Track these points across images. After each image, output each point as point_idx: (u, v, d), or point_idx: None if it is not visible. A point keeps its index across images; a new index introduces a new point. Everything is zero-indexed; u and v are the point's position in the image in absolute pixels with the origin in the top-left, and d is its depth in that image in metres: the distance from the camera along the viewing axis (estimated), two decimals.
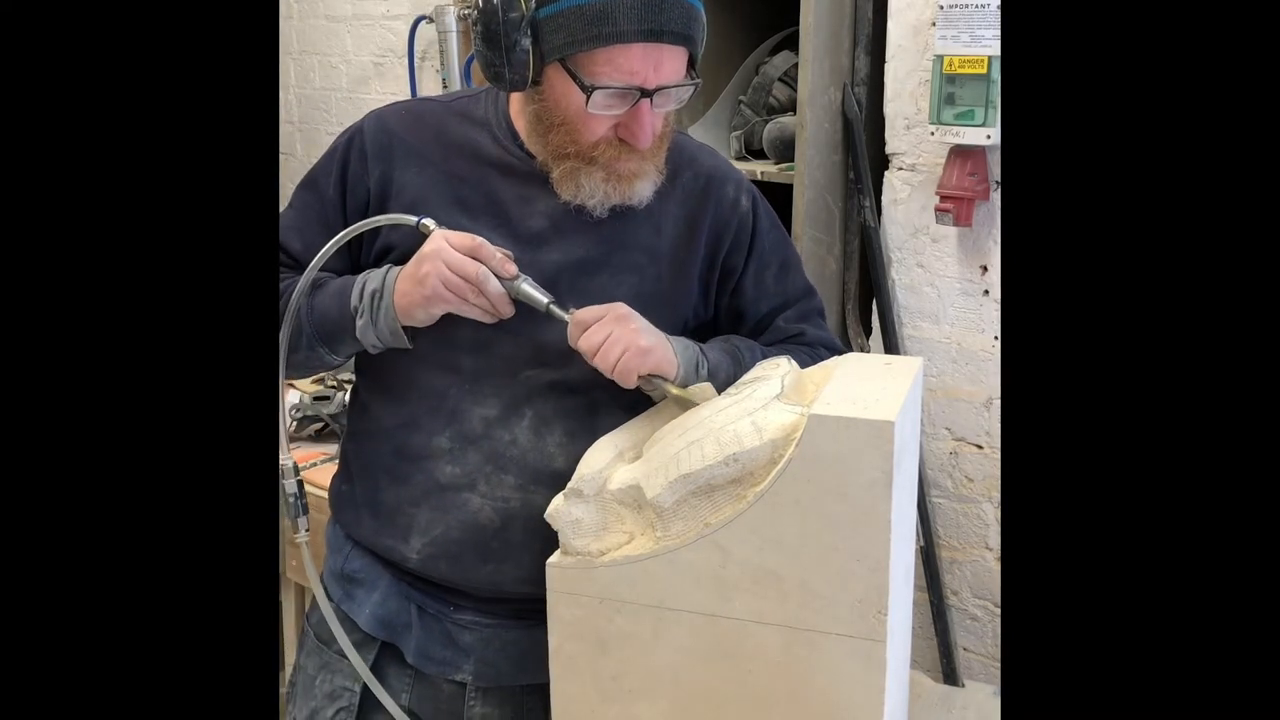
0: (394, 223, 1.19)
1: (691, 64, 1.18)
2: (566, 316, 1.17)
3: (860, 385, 1.09)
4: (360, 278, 1.22)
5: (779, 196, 2.07)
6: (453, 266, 1.14)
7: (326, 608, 1.26)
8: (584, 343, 1.15)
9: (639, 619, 1.10)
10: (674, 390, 1.16)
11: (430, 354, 1.24)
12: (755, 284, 1.32)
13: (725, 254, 1.29)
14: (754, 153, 2.18)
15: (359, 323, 1.21)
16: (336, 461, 1.49)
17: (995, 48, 1.75)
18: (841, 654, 1.04)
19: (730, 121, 2.24)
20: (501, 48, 1.12)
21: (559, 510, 1.12)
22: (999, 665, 1.96)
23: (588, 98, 1.12)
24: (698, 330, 1.32)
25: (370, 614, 1.30)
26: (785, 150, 2.05)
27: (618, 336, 1.14)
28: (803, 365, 1.23)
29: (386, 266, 1.22)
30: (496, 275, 1.15)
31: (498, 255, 1.16)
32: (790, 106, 2.12)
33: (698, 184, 1.28)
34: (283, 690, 1.89)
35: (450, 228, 1.19)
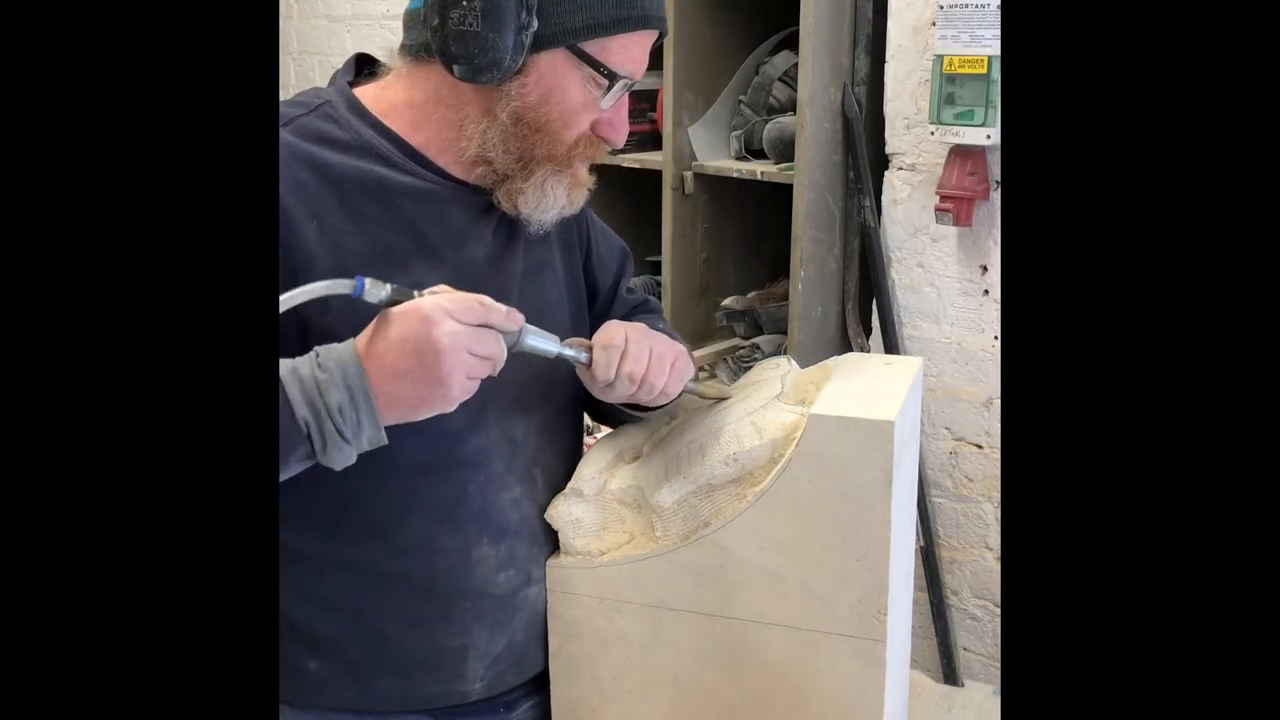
0: (324, 294, 0.88)
1: None
2: (583, 354, 1.03)
3: (860, 385, 1.09)
4: (291, 381, 0.89)
5: (779, 196, 2.08)
6: (478, 353, 0.91)
7: None
8: (632, 365, 1.02)
9: (639, 619, 1.10)
10: (698, 388, 1.12)
11: (422, 456, 1.03)
12: (597, 254, 1.23)
13: (577, 225, 1.19)
14: (754, 153, 2.18)
15: (330, 448, 0.90)
16: None
17: (995, 48, 1.75)
18: (841, 654, 1.04)
19: (730, 121, 2.24)
20: (509, 29, 0.95)
21: (559, 510, 1.12)
22: (999, 665, 1.96)
23: (607, 88, 1.01)
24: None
25: None
26: (785, 150, 2.05)
27: (660, 351, 1.04)
28: (668, 331, 1.19)
29: (321, 358, 0.91)
30: (503, 331, 0.94)
31: (502, 308, 0.94)
32: (790, 106, 2.12)
33: None
34: None
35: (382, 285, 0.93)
